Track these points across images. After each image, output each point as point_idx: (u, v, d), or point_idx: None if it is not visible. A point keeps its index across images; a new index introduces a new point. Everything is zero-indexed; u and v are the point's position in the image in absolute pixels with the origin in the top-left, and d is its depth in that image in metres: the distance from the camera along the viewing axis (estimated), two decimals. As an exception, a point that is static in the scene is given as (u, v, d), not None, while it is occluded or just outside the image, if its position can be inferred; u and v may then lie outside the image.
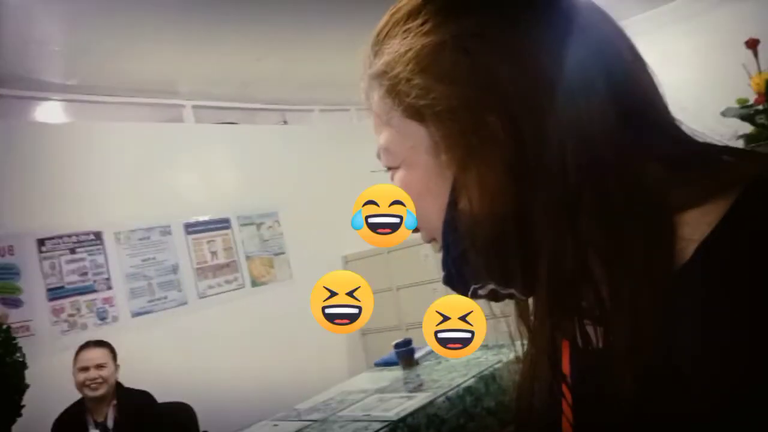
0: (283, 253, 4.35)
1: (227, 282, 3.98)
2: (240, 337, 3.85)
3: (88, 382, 2.44)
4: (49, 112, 3.77)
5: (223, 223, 4.06)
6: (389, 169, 0.53)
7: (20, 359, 1.21)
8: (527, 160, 0.42)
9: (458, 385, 2.29)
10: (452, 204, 0.47)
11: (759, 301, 0.35)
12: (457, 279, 0.50)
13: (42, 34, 2.98)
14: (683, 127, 0.46)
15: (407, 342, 2.82)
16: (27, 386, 1.22)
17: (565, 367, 0.51)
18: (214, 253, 3.96)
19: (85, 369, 2.45)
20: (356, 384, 2.79)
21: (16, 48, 2.93)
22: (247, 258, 4.14)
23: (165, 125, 4.12)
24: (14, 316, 2.99)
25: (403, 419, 2.05)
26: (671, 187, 0.41)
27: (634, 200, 0.40)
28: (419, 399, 2.22)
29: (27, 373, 2.67)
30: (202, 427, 2.78)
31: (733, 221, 0.38)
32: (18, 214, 3.13)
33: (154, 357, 3.34)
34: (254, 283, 4.14)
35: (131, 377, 2.73)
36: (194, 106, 4.21)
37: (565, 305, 0.48)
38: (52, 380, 2.56)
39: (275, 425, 2.41)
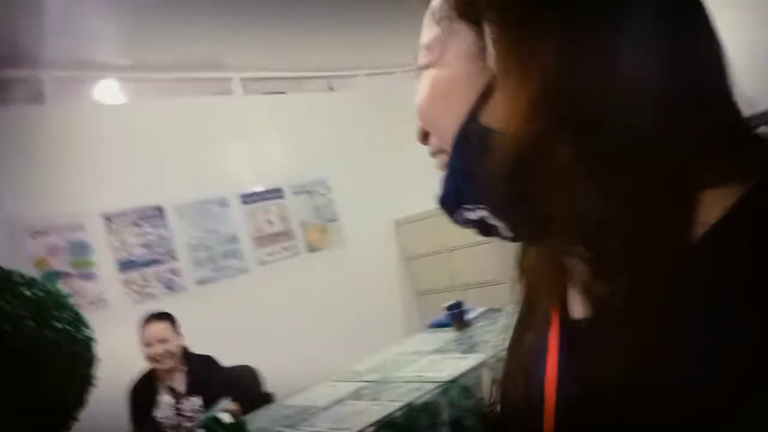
0: (336, 219, 4.43)
1: (284, 249, 4.11)
2: (299, 301, 3.99)
3: (152, 356, 2.59)
4: (105, 91, 3.92)
5: (276, 193, 4.17)
6: (419, 70, 0.51)
7: (90, 335, 1.30)
8: (572, 96, 0.40)
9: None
10: (474, 113, 0.45)
11: (759, 291, 0.34)
12: (453, 198, 0.48)
13: (92, 14, 3.07)
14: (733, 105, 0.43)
15: (458, 304, 2.85)
16: (98, 359, 1.31)
17: (553, 342, 0.50)
18: (270, 222, 4.08)
19: (149, 344, 2.60)
20: (411, 345, 2.86)
21: (70, 30, 3.04)
22: (302, 225, 4.25)
23: (215, 99, 4.22)
24: (90, 290, 3.22)
25: (455, 380, 2.10)
26: (699, 166, 0.39)
27: (659, 172, 0.38)
28: (471, 360, 2.26)
29: (104, 343, 2.89)
30: (266, 389, 2.93)
31: (744, 206, 0.37)
32: (84, 192, 3.32)
33: (220, 322, 3.52)
34: (310, 249, 4.25)
35: (199, 342, 2.89)
36: (242, 78, 4.27)
37: (560, 260, 0.48)
38: (129, 350, 2.74)
39: (333, 386, 2.51)
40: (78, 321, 1.27)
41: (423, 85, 0.49)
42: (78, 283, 3.19)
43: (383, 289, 4.53)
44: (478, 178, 0.44)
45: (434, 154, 0.51)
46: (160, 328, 2.64)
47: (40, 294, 1.23)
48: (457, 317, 2.81)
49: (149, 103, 3.92)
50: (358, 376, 2.56)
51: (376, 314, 4.29)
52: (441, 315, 3.00)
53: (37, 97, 3.40)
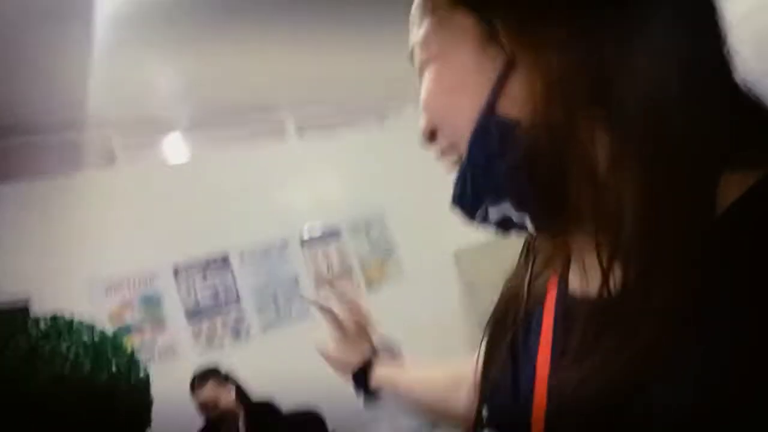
0: (393, 253, 4.46)
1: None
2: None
3: (210, 420, 2.65)
4: (170, 147, 4.20)
5: (333, 233, 4.26)
6: (420, 69, 0.49)
7: (146, 377, 1.38)
8: (594, 80, 0.39)
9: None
10: (491, 104, 0.42)
11: (761, 278, 0.33)
12: (472, 195, 0.46)
13: (154, 76, 3.31)
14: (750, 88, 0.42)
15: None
16: (152, 401, 1.39)
17: (548, 319, 0.49)
18: (329, 263, 4.16)
19: (203, 409, 2.64)
20: (472, 378, 2.80)
21: (134, 93, 3.29)
22: (361, 263, 4.30)
23: (270, 144, 4.41)
24: (160, 341, 3.37)
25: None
26: (720, 150, 0.38)
27: (683, 156, 0.38)
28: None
29: (174, 391, 3.03)
30: (331, 428, 2.93)
31: (760, 189, 0.36)
32: (155, 246, 3.52)
33: (285, 366, 3.58)
34: (370, 286, 4.28)
35: (264, 387, 2.95)
36: (295, 118, 4.46)
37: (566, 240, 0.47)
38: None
39: (396, 426, 2.49)
40: (133, 364, 1.36)
41: (427, 82, 0.47)
42: (150, 335, 3.35)
43: (445, 321, 4.47)
44: (502, 170, 0.42)
45: (443, 154, 0.49)
46: (207, 390, 2.66)
47: (97, 339, 1.33)
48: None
49: (209, 156, 4.17)
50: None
51: (439, 347, 4.22)
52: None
53: (107, 158, 3.69)
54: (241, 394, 2.76)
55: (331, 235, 4.24)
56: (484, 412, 0.55)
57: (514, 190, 0.43)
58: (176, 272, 3.56)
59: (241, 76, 3.60)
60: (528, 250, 0.57)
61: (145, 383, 1.41)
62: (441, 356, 3.53)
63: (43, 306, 3.11)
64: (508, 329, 0.54)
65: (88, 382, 1.21)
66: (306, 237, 4.13)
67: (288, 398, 2.92)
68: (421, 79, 0.49)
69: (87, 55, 2.71)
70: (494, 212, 0.45)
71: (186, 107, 3.85)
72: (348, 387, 3.74)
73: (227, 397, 2.67)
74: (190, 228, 3.69)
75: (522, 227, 0.46)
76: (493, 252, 4.18)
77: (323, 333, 3.78)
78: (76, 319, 1.37)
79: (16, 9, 2.34)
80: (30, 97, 3.02)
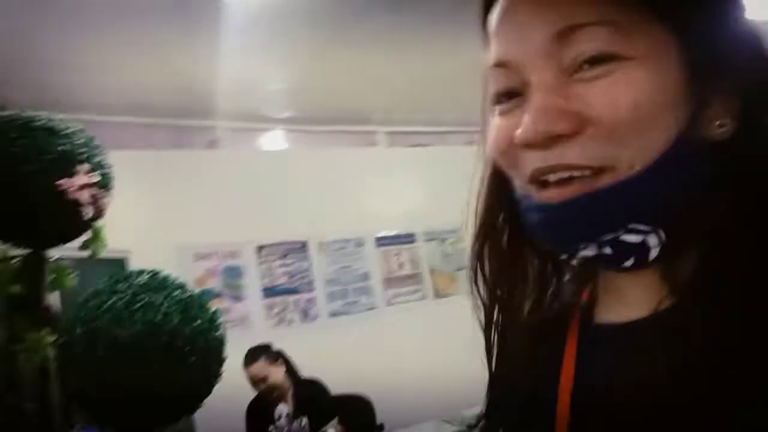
0: (465, 268, 4.53)
1: (412, 292, 4.30)
2: (420, 343, 4.12)
3: (260, 393, 2.86)
4: (270, 140, 4.50)
5: (409, 238, 4.40)
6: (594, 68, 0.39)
7: (222, 336, 1.57)
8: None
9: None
10: (694, 125, 0.39)
11: None
12: (615, 216, 0.40)
13: (262, 74, 3.60)
14: None
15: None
16: (225, 358, 1.58)
17: (571, 347, 0.49)
18: (400, 265, 4.31)
19: (255, 383, 2.86)
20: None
21: (242, 88, 3.58)
22: (431, 271, 4.42)
23: (362, 149, 4.61)
24: (237, 310, 3.65)
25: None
26: None
27: None
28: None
29: (239, 354, 3.28)
30: (378, 420, 3.08)
31: None
32: (242, 225, 3.81)
33: (345, 353, 3.77)
34: (437, 295, 4.39)
35: (324, 368, 3.14)
36: (387, 132, 4.64)
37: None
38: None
39: (438, 425, 2.59)
40: (214, 323, 1.56)
41: (620, 84, 0.38)
42: (228, 303, 3.64)
43: (509, 343, 4.49)
44: (684, 196, 0.39)
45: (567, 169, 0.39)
46: (258, 367, 2.86)
47: (186, 297, 1.53)
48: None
49: (305, 152, 4.42)
50: (463, 421, 2.62)
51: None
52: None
53: (212, 143, 4.02)
54: (290, 371, 2.94)
55: (406, 239, 4.39)
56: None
57: (683, 220, 0.39)
58: (259, 250, 3.84)
59: (342, 82, 3.81)
60: (554, 267, 0.53)
61: (221, 342, 1.59)
62: None
63: (137, 262, 3.47)
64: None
65: (174, 333, 1.41)
66: (382, 236, 4.30)
67: (342, 383, 3.09)
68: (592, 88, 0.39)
69: (209, 50, 3.00)
70: (633, 238, 0.40)
71: (288, 105, 4.12)
72: (396, 383, 3.88)
73: (276, 373, 2.87)
74: (277, 213, 3.96)
75: (619, 261, 0.41)
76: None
77: (385, 329, 3.95)
78: (171, 277, 1.59)
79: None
80: (149, 82, 3.37)
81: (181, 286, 1.61)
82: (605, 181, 0.39)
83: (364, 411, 3.07)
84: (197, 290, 1.61)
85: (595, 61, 0.38)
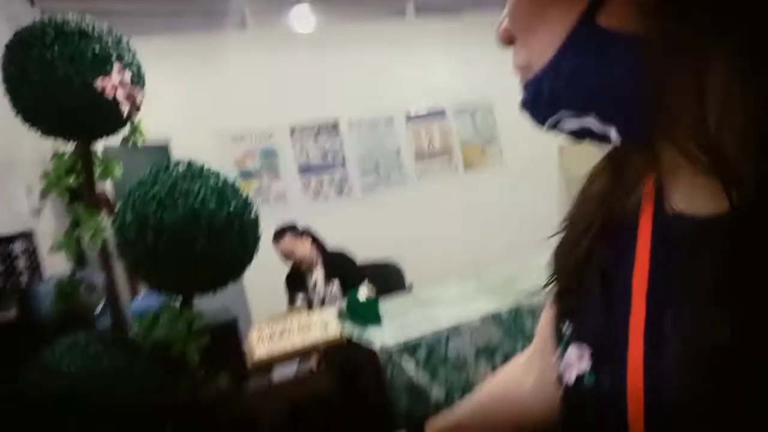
0: (495, 141, 4.59)
1: (442, 167, 4.43)
2: (449, 213, 4.34)
3: (291, 265, 3.14)
4: (298, 18, 4.44)
5: (439, 113, 4.44)
6: None
7: (255, 217, 1.76)
8: (721, 8, 0.35)
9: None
10: (590, 13, 0.39)
11: None
12: (547, 105, 0.44)
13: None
14: None
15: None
16: (260, 236, 1.78)
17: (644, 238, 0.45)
18: (431, 140, 4.40)
19: (285, 257, 3.14)
20: (546, 257, 3.05)
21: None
22: (461, 145, 4.50)
23: (390, 22, 4.52)
24: (274, 188, 3.89)
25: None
26: None
27: None
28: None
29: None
30: (407, 282, 3.37)
31: None
32: (274, 107, 3.93)
33: (379, 224, 4.02)
34: (467, 168, 4.51)
35: (360, 239, 3.40)
36: (416, 1, 4.50)
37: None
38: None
39: (460, 284, 2.84)
40: (247, 206, 1.75)
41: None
42: (265, 181, 3.88)
43: (542, 213, 4.61)
44: (593, 83, 0.40)
45: (517, 67, 0.47)
46: (285, 243, 3.14)
47: (221, 183, 1.72)
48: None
49: (333, 29, 4.37)
50: (485, 278, 2.86)
51: (534, 238, 4.41)
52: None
53: (240, 23, 4.03)
54: (317, 245, 3.21)
55: (436, 115, 4.44)
56: (566, 330, 0.51)
57: (604, 105, 0.40)
58: (292, 131, 3.99)
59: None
60: (612, 160, 0.53)
61: (255, 222, 1.79)
62: (535, 247, 3.73)
63: (178, 147, 3.69)
64: (585, 239, 0.50)
65: (212, 217, 1.61)
66: (412, 114, 4.36)
67: (376, 251, 3.36)
68: None
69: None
70: (572, 123, 0.43)
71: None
72: (425, 250, 4.16)
73: (302, 247, 3.14)
74: (308, 93, 4.04)
75: (603, 139, 0.43)
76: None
77: (416, 200, 4.17)
78: (206, 165, 1.76)
79: None
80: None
81: (216, 174, 1.78)
82: (528, 77, 0.45)
83: (393, 274, 3.36)
84: (230, 176, 1.79)
85: None
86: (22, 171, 2.41)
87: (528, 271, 2.84)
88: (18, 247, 2.07)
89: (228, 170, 3.80)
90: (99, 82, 1.69)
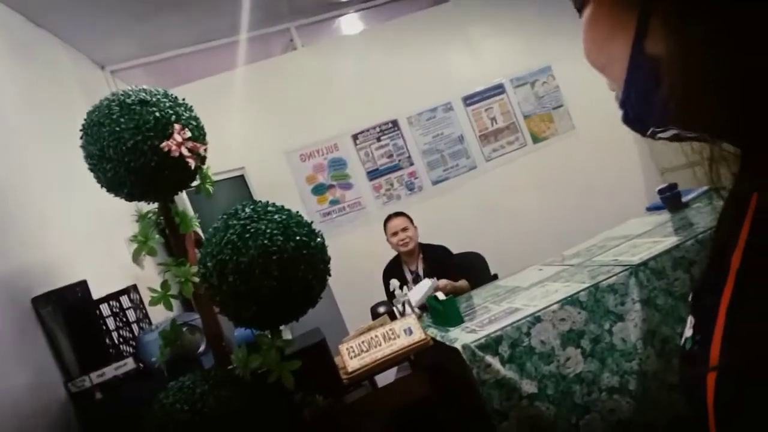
0: (561, 106, 4.46)
1: (509, 143, 4.36)
2: (526, 191, 4.26)
3: (399, 242, 3.20)
4: (345, 27, 4.54)
5: (497, 89, 4.37)
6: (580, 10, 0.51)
7: (321, 243, 1.86)
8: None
9: (711, 228, 2.29)
10: (638, 45, 0.44)
11: None
12: (637, 122, 0.49)
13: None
14: None
15: (670, 187, 2.81)
16: (329, 259, 1.88)
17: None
18: (492, 119, 4.34)
19: (395, 234, 3.21)
20: (622, 230, 2.95)
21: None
22: (525, 117, 4.40)
23: (431, 10, 4.49)
24: (348, 196, 4.01)
25: (645, 263, 2.22)
26: None
27: None
28: (666, 243, 2.32)
29: (362, 236, 3.66)
30: (492, 271, 3.37)
31: None
32: (336, 118, 4.05)
33: (453, 215, 4.04)
34: (535, 140, 4.41)
35: (436, 233, 3.43)
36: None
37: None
38: (380, 238, 3.40)
39: (540, 269, 2.81)
40: (311, 234, 1.85)
41: (583, 30, 0.50)
42: (339, 192, 4.00)
43: (619, 171, 4.45)
44: (658, 105, 0.44)
45: (612, 89, 0.52)
46: (399, 221, 3.22)
47: (284, 217, 1.83)
48: (669, 200, 2.79)
49: (378, 30, 4.42)
50: (563, 260, 2.81)
51: (604, 198, 4.25)
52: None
53: (289, 45, 4.17)
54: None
55: (493, 91, 4.37)
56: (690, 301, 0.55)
57: (677, 121, 0.45)
58: (354, 139, 4.08)
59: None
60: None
61: (322, 246, 1.89)
62: (616, 215, 3.52)
63: (253, 174, 3.89)
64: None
65: (281, 251, 1.72)
66: (469, 95, 4.32)
67: (454, 243, 3.38)
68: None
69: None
70: (663, 134, 0.48)
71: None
72: (505, 235, 4.12)
73: (413, 230, 3.18)
74: (363, 98, 4.12)
75: (698, 139, 0.47)
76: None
77: (488, 185, 4.12)
78: (269, 203, 1.88)
79: None
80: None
81: (279, 210, 1.90)
82: (618, 98, 0.50)
83: (481, 265, 3.37)
84: (293, 210, 1.90)
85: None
86: (122, 227, 2.66)
87: (605, 248, 2.77)
88: (126, 300, 2.29)
89: (301, 188, 3.96)
90: (164, 144, 1.86)
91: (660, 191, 2.85)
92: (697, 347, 0.48)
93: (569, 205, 4.20)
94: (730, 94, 0.40)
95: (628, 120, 0.50)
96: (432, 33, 4.33)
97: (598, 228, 3.20)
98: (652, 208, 3.06)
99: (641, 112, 0.47)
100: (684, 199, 2.82)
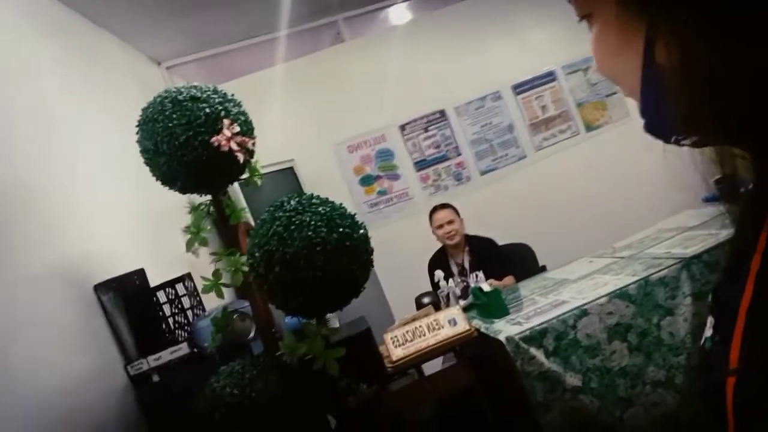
0: (615, 93, 4.33)
1: (561, 132, 4.27)
2: (577, 181, 4.16)
3: (445, 235, 3.20)
4: (393, 18, 4.54)
5: (548, 77, 4.28)
6: (584, 19, 0.51)
7: (363, 234, 1.89)
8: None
9: None
10: (648, 56, 0.44)
11: None
12: (659, 129, 0.49)
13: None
14: None
15: (729, 176, 2.69)
16: (372, 250, 1.91)
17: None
18: (543, 107, 4.26)
19: (440, 226, 3.21)
20: (676, 221, 2.86)
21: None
22: (578, 105, 4.30)
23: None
24: (396, 187, 4.03)
25: (698, 256, 2.15)
26: None
27: None
28: (722, 235, 2.24)
29: (410, 226, 3.68)
30: (540, 263, 3.33)
31: None
32: (383, 109, 4.06)
33: (502, 206, 4.00)
34: (588, 128, 4.30)
35: (483, 224, 3.41)
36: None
37: None
38: (427, 229, 3.41)
39: (590, 261, 2.76)
40: (354, 225, 1.89)
41: (593, 44, 0.50)
42: (387, 182, 4.03)
43: (678, 165, 4.28)
44: (673, 113, 0.44)
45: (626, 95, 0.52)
46: (445, 213, 3.20)
47: (328, 209, 1.87)
48: (725, 191, 2.67)
49: (425, 20, 4.40)
50: (614, 252, 2.75)
51: (669, 184, 4.11)
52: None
53: (337, 38, 4.21)
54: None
55: (544, 78, 4.28)
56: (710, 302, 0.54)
57: (693, 129, 0.45)
58: (402, 129, 4.09)
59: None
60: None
61: (365, 238, 1.92)
62: (671, 205, 3.43)
63: (302, 166, 3.96)
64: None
65: (325, 242, 1.77)
66: (519, 83, 4.25)
67: (502, 234, 3.35)
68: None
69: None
70: (686, 141, 0.48)
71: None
72: (554, 226, 4.06)
73: (459, 222, 3.16)
74: (411, 88, 4.12)
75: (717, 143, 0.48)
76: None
77: (538, 175, 4.07)
78: (314, 195, 1.92)
79: None
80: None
81: (323, 202, 1.94)
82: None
83: (529, 257, 3.33)
84: (336, 202, 1.94)
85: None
86: (177, 218, 2.78)
87: (658, 240, 2.69)
88: (181, 287, 2.40)
89: (349, 179, 4.01)
90: (214, 139, 1.93)
91: (717, 181, 2.72)
92: (716, 348, 0.48)
93: (622, 195, 4.09)
94: (738, 101, 0.40)
95: (650, 129, 0.50)
96: (479, 21, 4.28)
97: (652, 219, 3.11)
98: (709, 199, 2.94)
99: (660, 121, 0.48)
100: (742, 190, 2.69)
